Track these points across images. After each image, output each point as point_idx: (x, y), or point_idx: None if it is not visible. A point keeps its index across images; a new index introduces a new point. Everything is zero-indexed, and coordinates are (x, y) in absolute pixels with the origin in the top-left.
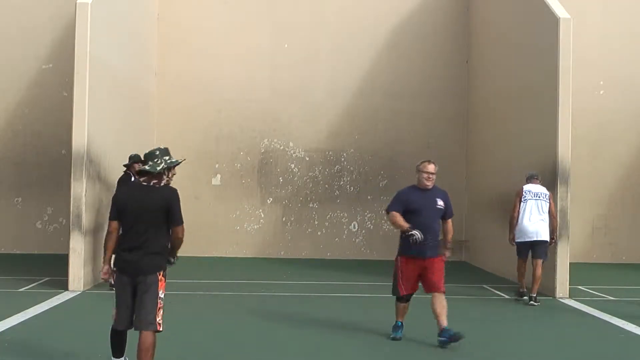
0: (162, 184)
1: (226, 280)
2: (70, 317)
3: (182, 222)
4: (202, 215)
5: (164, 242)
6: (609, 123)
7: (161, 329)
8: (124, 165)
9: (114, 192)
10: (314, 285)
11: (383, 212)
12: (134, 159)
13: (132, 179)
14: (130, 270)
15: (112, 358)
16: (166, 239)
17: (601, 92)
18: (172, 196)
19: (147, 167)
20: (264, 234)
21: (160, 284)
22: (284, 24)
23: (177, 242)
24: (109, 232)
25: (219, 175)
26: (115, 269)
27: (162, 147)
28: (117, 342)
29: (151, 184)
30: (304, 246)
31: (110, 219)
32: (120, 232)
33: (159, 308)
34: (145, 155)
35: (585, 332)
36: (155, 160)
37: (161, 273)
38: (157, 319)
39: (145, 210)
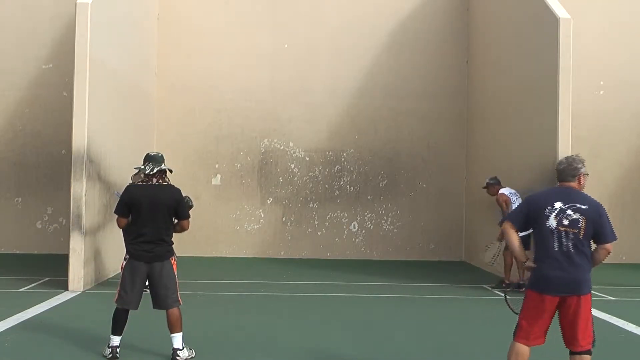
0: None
1: (226, 280)
2: (71, 317)
3: (189, 216)
4: (202, 215)
5: (172, 232)
6: (609, 123)
7: (181, 303)
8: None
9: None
10: (314, 285)
11: None
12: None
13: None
14: (148, 258)
15: (112, 336)
16: (172, 229)
17: (601, 92)
18: (180, 196)
19: (164, 167)
20: (264, 234)
21: (174, 266)
22: (284, 24)
23: (181, 231)
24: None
25: (219, 175)
26: (128, 256)
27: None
28: (121, 321)
29: (156, 183)
30: (304, 246)
31: (122, 215)
32: (132, 225)
33: (177, 285)
34: (152, 157)
35: None
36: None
37: (173, 257)
38: (178, 297)
39: (159, 207)
